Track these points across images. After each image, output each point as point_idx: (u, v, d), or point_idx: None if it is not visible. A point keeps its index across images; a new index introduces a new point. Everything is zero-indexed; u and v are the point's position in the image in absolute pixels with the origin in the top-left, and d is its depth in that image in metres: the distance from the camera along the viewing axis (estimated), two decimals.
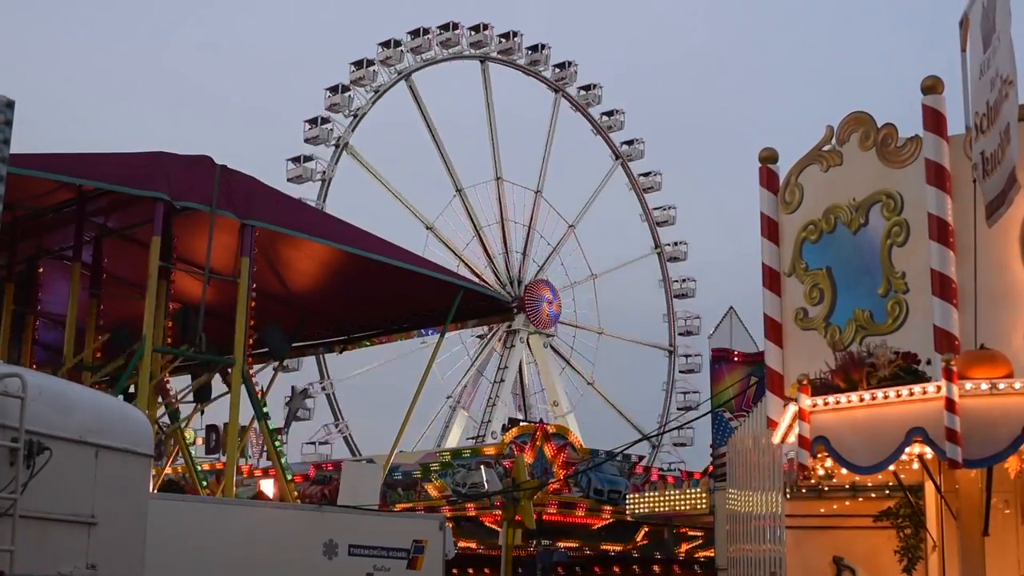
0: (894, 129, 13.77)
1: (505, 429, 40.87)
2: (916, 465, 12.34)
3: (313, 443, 51.44)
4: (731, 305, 29.65)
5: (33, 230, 18.29)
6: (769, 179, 15.05)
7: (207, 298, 16.60)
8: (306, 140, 52.55)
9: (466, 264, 55.85)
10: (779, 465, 13.88)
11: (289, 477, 19.13)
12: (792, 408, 12.56)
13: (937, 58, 17.82)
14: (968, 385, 11.28)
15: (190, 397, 19.18)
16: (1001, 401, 11.23)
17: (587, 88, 61.06)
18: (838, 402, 12.08)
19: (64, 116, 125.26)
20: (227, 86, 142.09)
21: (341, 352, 25.03)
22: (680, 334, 61.81)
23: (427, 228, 55.32)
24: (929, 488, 13.02)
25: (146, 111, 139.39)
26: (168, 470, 21.49)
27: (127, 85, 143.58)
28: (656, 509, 32.78)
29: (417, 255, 20.39)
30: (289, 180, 51.85)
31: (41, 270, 19.55)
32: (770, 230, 14.89)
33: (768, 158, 15.15)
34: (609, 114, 61.59)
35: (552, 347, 58.84)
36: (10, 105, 8.20)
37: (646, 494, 33.94)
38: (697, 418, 39.40)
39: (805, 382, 12.32)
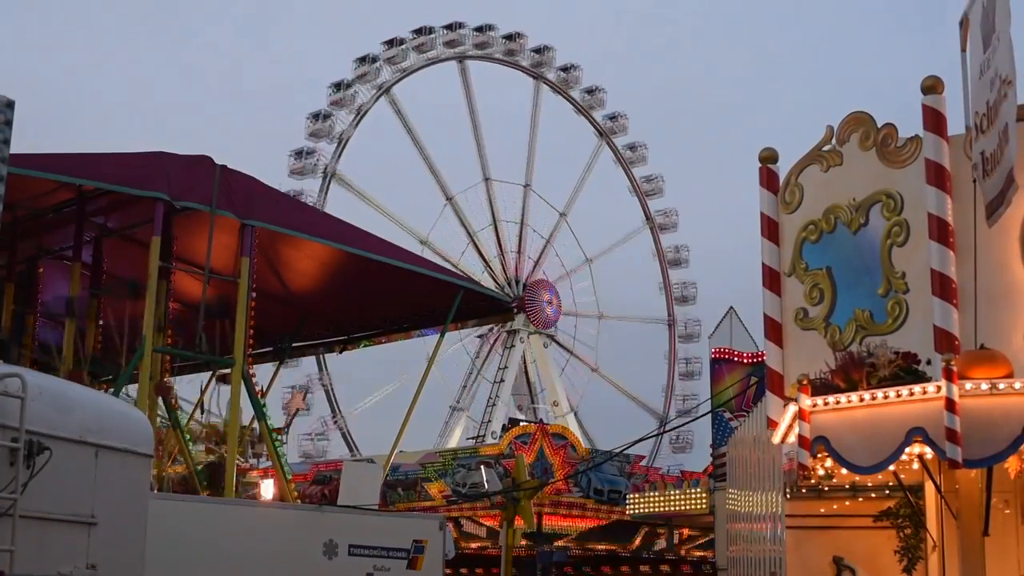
0: (894, 129, 13.76)
1: (505, 429, 40.89)
2: (916, 465, 12.33)
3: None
4: (731, 305, 29.68)
5: (33, 230, 18.30)
6: (769, 179, 15.04)
7: (207, 298, 16.61)
8: (291, 173, 52.45)
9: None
10: (779, 465, 13.88)
11: (289, 477, 19.14)
12: (792, 408, 12.56)
13: (937, 58, 17.84)
14: (968, 385, 11.27)
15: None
16: (1001, 401, 11.22)
17: (565, 69, 61.03)
18: (838, 402, 12.08)
19: (67, 116, 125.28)
20: (235, 84, 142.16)
21: (341, 352, 25.04)
22: (677, 301, 61.85)
23: (422, 243, 55.41)
24: (929, 488, 13.02)
25: (157, 109, 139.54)
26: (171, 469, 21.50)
27: (144, 82, 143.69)
28: (656, 509, 32.81)
29: (417, 255, 20.42)
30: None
31: (41, 270, 19.56)
32: (770, 230, 14.89)
33: (768, 158, 15.14)
34: (590, 92, 61.59)
35: (555, 340, 58.83)
36: (10, 105, 8.20)
37: (646, 494, 33.98)
38: (697, 418, 39.38)
39: (805, 382, 12.31)
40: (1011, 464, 11.53)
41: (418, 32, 55.55)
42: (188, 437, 18.51)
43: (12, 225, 17.36)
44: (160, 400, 17.82)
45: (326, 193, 52.61)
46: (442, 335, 20.55)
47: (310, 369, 50.46)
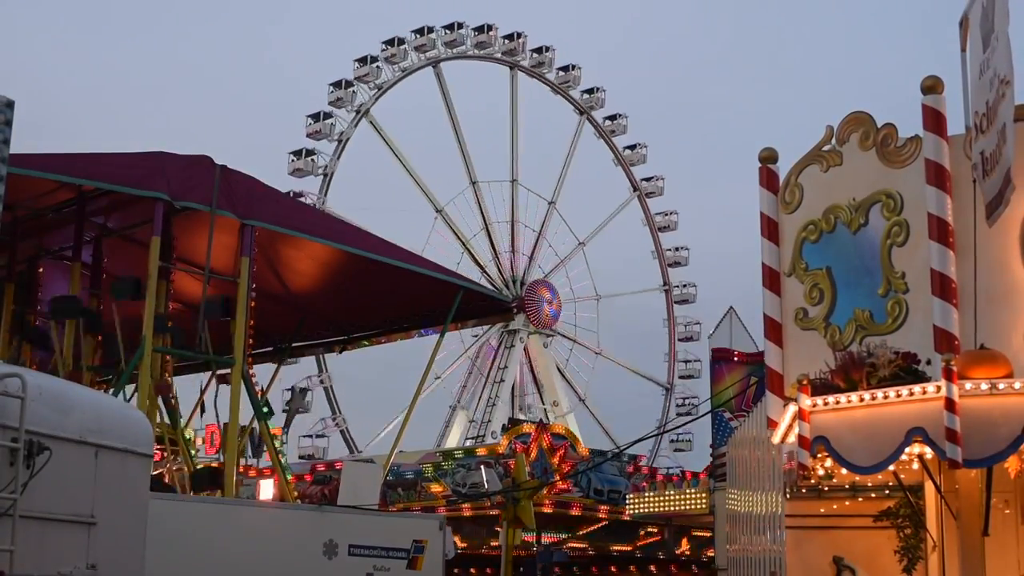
0: (894, 129, 13.76)
1: (505, 429, 40.87)
2: (916, 465, 12.34)
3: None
4: (731, 305, 29.69)
5: (33, 230, 18.30)
6: (769, 179, 15.04)
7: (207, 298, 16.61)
8: (329, 103, 52.65)
9: (471, 254, 55.96)
10: (779, 465, 13.88)
11: (288, 477, 19.15)
12: (792, 408, 12.56)
13: (937, 58, 17.85)
14: (968, 385, 11.27)
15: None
16: (1001, 401, 11.23)
17: (612, 118, 61.42)
18: (838, 402, 12.08)
19: (67, 116, 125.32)
20: (233, 84, 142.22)
21: (341, 352, 25.05)
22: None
23: (437, 211, 55.29)
24: (929, 488, 13.02)
25: (156, 108, 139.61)
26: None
27: (136, 83, 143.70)
28: (656, 509, 32.81)
29: (417, 255, 20.41)
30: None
31: (41, 270, 19.56)
32: (770, 230, 14.89)
33: (768, 158, 15.14)
34: (632, 148, 61.84)
35: (557, 332, 58.71)
36: (10, 105, 8.20)
37: (646, 494, 33.97)
38: (697, 418, 39.41)
39: (805, 382, 12.32)
40: (1011, 464, 11.53)
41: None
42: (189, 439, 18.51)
43: (12, 225, 17.37)
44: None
45: (356, 125, 52.79)
46: (442, 335, 20.55)
47: (310, 369, 50.49)
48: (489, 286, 53.64)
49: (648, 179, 62.24)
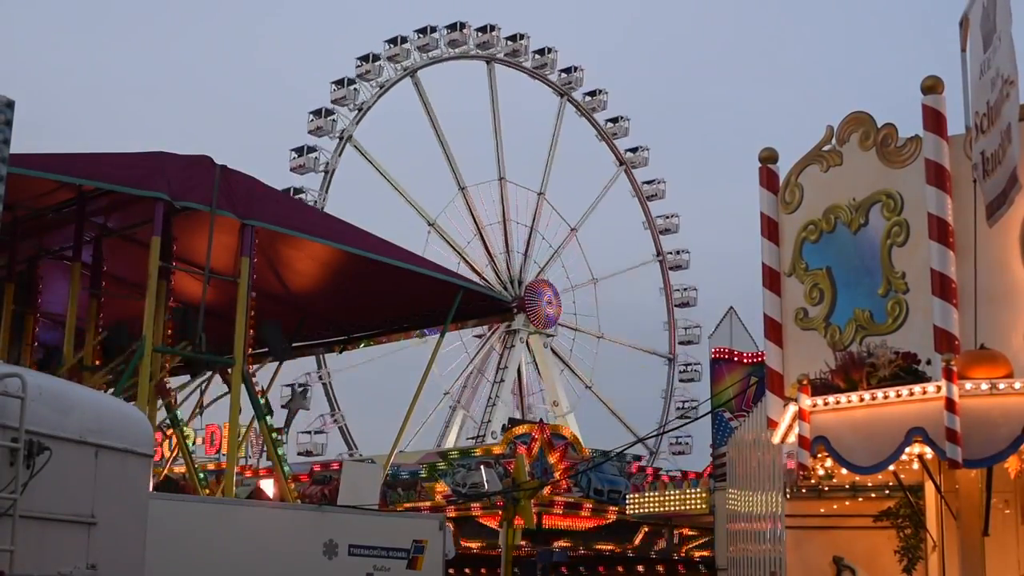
0: (894, 129, 13.76)
1: (505, 429, 40.86)
2: (916, 465, 12.33)
3: (309, 432, 51.40)
4: (731, 305, 29.67)
5: (33, 230, 18.29)
6: (769, 179, 15.04)
7: (207, 298, 16.60)
8: (310, 132, 52.67)
9: (467, 262, 55.90)
10: (779, 465, 13.88)
11: (288, 477, 19.13)
12: (792, 408, 12.56)
13: (937, 58, 17.84)
14: (968, 385, 11.27)
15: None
16: (1001, 401, 11.22)
17: (592, 94, 61.33)
18: (838, 402, 12.08)
19: (67, 116, 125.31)
20: (232, 83, 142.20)
21: (341, 352, 25.06)
22: (680, 343, 61.75)
23: (429, 225, 55.32)
24: (929, 488, 13.02)
25: (156, 108, 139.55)
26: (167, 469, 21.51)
27: (136, 82, 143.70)
28: (656, 509, 32.81)
29: (417, 255, 20.39)
30: (292, 170, 51.99)
31: (41, 270, 19.56)
32: (770, 230, 14.89)
33: (768, 158, 15.14)
34: (614, 120, 61.74)
35: (552, 349, 58.84)
36: (10, 105, 8.20)
37: (646, 494, 33.96)
38: (697, 418, 39.37)
39: (805, 382, 12.32)
40: (1011, 464, 11.53)
41: (451, 27, 55.75)
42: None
43: (12, 225, 17.36)
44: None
45: (340, 154, 52.69)
46: (442, 335, 20.54)
47: (309, 365, 50.49)
48: (493, 278, 53.79)
49: (633, 150, 62.09)
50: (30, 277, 19.33)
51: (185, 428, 19.93)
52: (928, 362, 12.40)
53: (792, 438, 12.54)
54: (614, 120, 61.73)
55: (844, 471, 12.37)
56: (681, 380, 61.18)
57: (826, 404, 12.13)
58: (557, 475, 35.29)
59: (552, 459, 36.51)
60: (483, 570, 35.26)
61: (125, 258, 18.64)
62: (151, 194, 15.90)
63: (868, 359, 12.45)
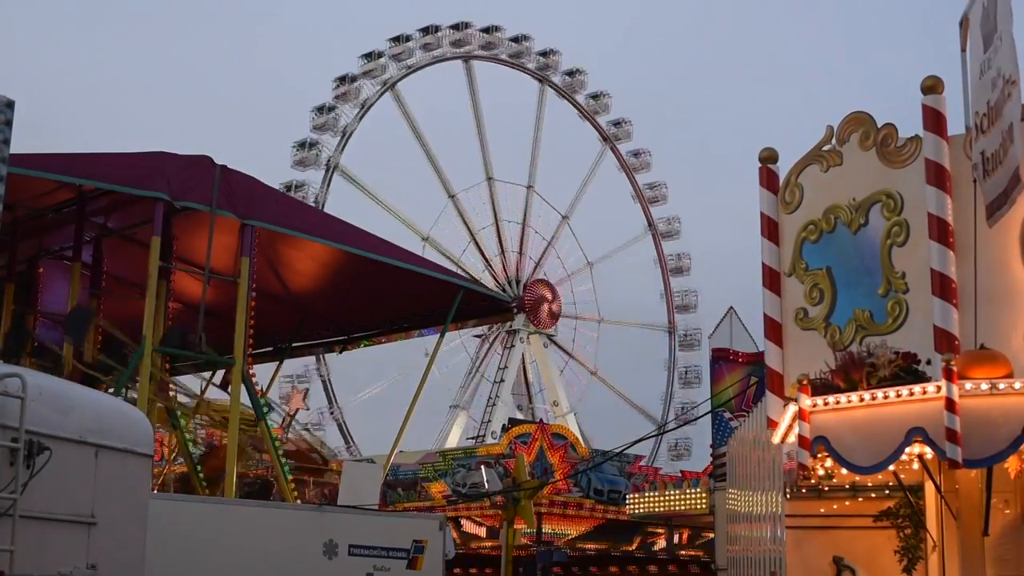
0: (894, 129, 13.76)
1: (505, 429, 40.88)
2: (916, 465, 12.33)
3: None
4: (731, 305, 29.64)
5: (33, 230, 18.30)
6: (769, 179, 15.04)
7: (207, 298, 16.61)
8: (294, 164, 52.67)
9: (464, 271, 55.97)
10: (779, 465, 13.87)
11: (289, 477, 19.13)
12: (792, 408, 12.56)
13: (937, 58, 17.84)
14: (968, 385, 11.27)
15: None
16: (1001, 401, 11.22)
17: (571, 74, 61.26)
18: (838, 402, 12.07)
19: (67, 116, 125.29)
20: (232, 83, 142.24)
21: (341, 352, 25.05)
22: (678, 310, 61.81)
23: (423, 239, 55.42)
24: (929, 488, 13.01)
25: (156, 108, 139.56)
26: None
27: (137, 82, 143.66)
28: (656, 509, 32.81)
29: (417, 255, 20.41)
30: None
31: (41, 270, 19.55)
32: (770, 230, 14.88)
33: (768, 158, 15.14)
34: (595, 97, 61.71)
35: (554, 342, 58.86)
36: (10, 105, 8.21)
37: (646, 494, 33.98)
38: (697, 419, 39.37)
39: (805, 382, 12.31)
40: (1011, 464, 11.53)
41: (424, 31, 55.79)
42: (189, 438, 18.50)
43: (12, 225, 17.36)
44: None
45: (328, 184, 52.71)
46: (442, 335, 20.55)
47: (307, 360, 50.51)
48: (492, 281, 53.84)
49: (616, 123, 62.19)
50: (30, 277, 19.33)
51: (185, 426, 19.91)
52: (928, 362, 12.39)
53: (792, 438, 12.54)
54: (595, 96, 61.67)
55: (844, 471, 12.36)
56: (681, 348, 61.27)
57: (826, 404, 12.12)
58: (558, 475, 35.30)
59: (552, 459, 36.52)
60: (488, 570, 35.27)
61: (125, 258, 18.64)
62: (151, 194, 15.90)
63: (868, 359, 12.44)
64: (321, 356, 51.09)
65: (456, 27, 56.67)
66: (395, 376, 52.14)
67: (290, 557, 13.88)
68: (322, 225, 19.39)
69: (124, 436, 8.42)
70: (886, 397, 11.74)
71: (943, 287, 12.80)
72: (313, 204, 51.62)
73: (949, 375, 11.22)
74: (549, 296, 57.81)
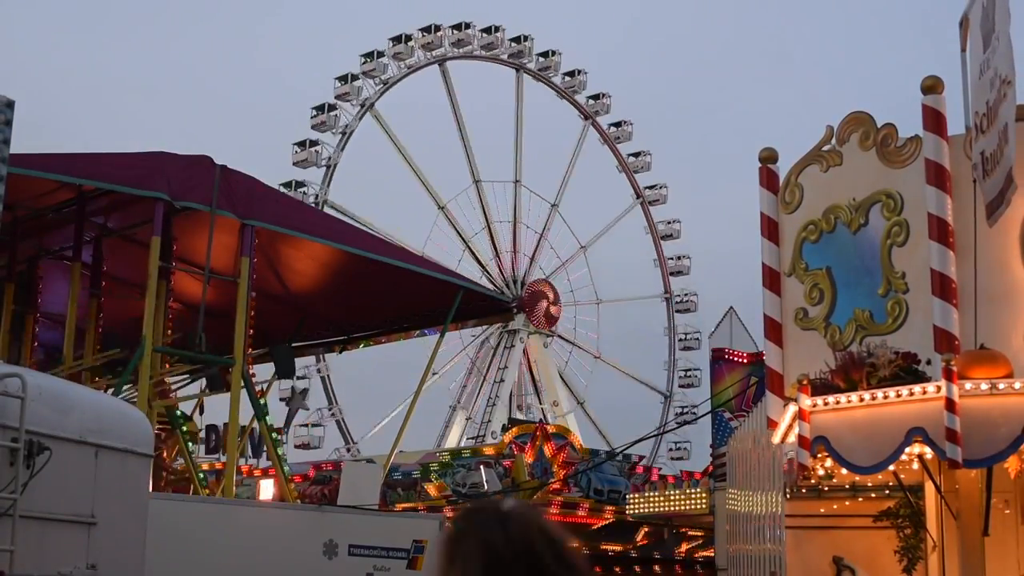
0: (894, 129, 13.77)
1: (505, 429, 40.87)
2: (916, 465, 12.33)
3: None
4: (731, 305, 29.66)
5: (33, 230, 18.29)
6: (769, 179, 15.05)
7: (207, 298, 16.61)
8: (336, 96, 52.82)
9: (472, 252, 55.98)
10: (779, 465, 13.88)
11: (288, 477, 19.15)
12: (792, 408, 12.56)
13: (937, 58, 17.84)
14: (968, 385, 11.27)
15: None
16: (1001, 401, 11.23)
17: (618, 125, 61.49)
18: (838, 402, 12.08)
19: (67, 116, 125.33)
20: (232, 83, 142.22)
21: (341, 352, 25.06)
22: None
23: (439, 208, 55.38)
24: (929, 488, 13.02)
25: (156, 108, 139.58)
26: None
27: (136, 82, 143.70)
28: (656, 509, 32.78)
29: (417, 255, 20.42)
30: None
31: (41, 270, 19.56)
32: (770, 230, 14.89)
33: (768, 158, 15.15)
34: (636, 155, 61.86)
35: (557, 335, 58.71)
36: (10, 105, 8.22)
37: (646, 494, 33.95)
38: (697, 418, 39.37)
39: (805, 382, 12.32)
40: (1011, 464, 11.53)
41: (487, 30, 55.97)
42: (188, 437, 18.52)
43: (12, 225, 17.35)
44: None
45: (360, 119, 52.89)
46: (442, 335, 20.54)
47: (307, 359, 50.41)
48: (490, 285, 53.78)
49: (652, 187, 62.24)
50: (30, 277, 19.33)
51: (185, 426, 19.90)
52: (928, 362, 12.40)
53: (792, 438, 12.55)
54: (636, 155, 61.87)
55: (844, 471, 12.37)
56: (676, 422, 60.70)
57: (826, 404, 12.13)
58: (558, 474, 35.29)
59: (552, 459, 36.51)
60: None
61: (125, 258, 18.64)
62: (151, 194, 15.90)
63: (868, 359, 12.45)
64: (320, 355, 51.09)
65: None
66: (399, 408, 51.98)
67: (290, 557, 13.89)
68: (322, 225, 19.41)
69: (124, 436, 8.42)
70: (886, 397, 11.75)
71: (943, 287, 12.81)
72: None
73: (949, 375, 11.22)
74: (550, 296, 57.78)
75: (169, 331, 17.61)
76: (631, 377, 62.21)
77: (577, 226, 60.37)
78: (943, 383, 11.25)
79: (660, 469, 45.05)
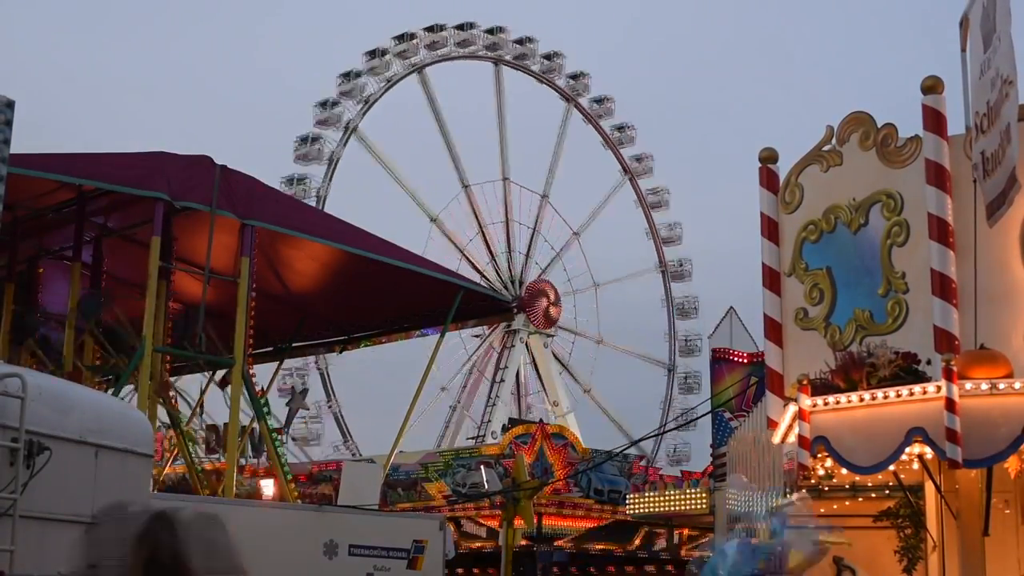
0: (894, 129, 13.76)
1: (505, 429, 40.86)
2: (916, 465, 12.32)
3: (304, 420, 51.35)
4: (731, 305, 29.66)
5: (33, 230, 18.31)
6: (769, 179, 15.04)
7: (207, 298, 16.61)
8: (316, 123, 52.71)
9: (468, 259, 55.92)
10: (779, 465, 13.87)
11: (289, 477, 19.14)
12: (792, 408, 12.56)
13: (937, 58, 17.84)
14: (968, 385, 11.27)
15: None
16: (1001, 401, 11.22)
17: (599, 101, 61.34)
18: (838, 402, 12.07)
19: (67, 116, 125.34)
20: (232, 83, 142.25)
21: (341, 352, 25.07)
22: (681, 353, 61.54)
23: (431, 220, 55.38)
24: (929, 488, 13.01)
25: (156, 108, 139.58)
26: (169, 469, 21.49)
27: (137, 82, 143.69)
28: (656, 509, 32.79)
29: (417, 255, 20.41)
30: (296, 160, 52.05)
31: (41, 270, 19.56)
32: (770, 230, 14.89)
33: (768, 158, 15.14)
34: (620, 128, 61.75)
35: (552, 352, 58.82)
36: (10, 105, 8.21)
37: (646, 494, 33.95)
38: (697, 419, 39.40)
39: (805, 382, 12.31)
40: (1011, 464, 11.53)
41: (460, 27, 55.96)
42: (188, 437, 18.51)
43: (12, 225, 17.36)
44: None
45: (344, 145, 52.74)
46: (442, 335, 20.55)
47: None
48: (494, 276, 53.82)
49: (638, 159, 62.03)
50: (30, 277, 19.34)
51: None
52: (928, 362, 12.40)
53: (792, 438, 12.54)
54: (620, 128, 61.73)
55: (844, 471, 12.36)
56: (681, 391, 60.96)
57: (826, 404, 12.12)
58: (558, 474, 35.28)
59: (552, 459, 36.50)
60: (490, 570, 35.26)
61: (125, 258, 18.65)
62: (151, 194, 15.91)
63: (868, 359, 12.44)
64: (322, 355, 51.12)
65: (491, 31, 56.76)
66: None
67: (290, 557, 13.88)
68: (322, 225, 19.41)
69: (124, 436, 8.42)
70: (886, 397, 11.74)
71: (943, 287, 12.81)
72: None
73: (949, 375, 11.22)
74: (550, 296, 57.78)
75: (169, 330, 17.63)
76: (633, 354, 62.28)
77: (569, 213, 60.45)
78: (943, 383, 11.24)
79: (660, 469, 45.08)
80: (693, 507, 31.05)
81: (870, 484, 13.88)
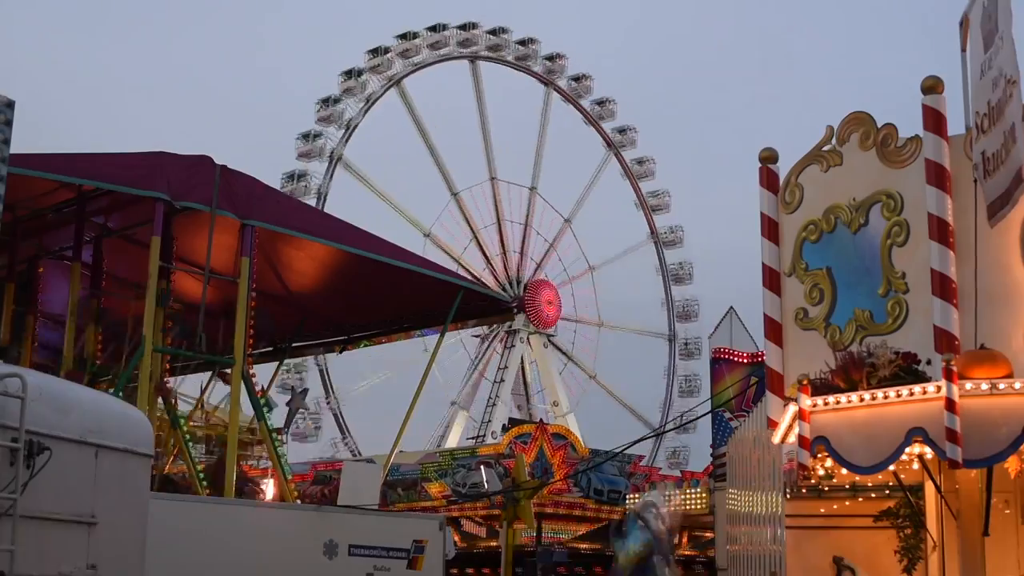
0: (894, 129, 13.77)
1: (505, 429, 40.87)
2: (916, 465, 12.34)
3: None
4: (731, 305, 29.64)
5: (33, 230, 18.30)
6: (769, 179, 15.05)
7: (207, 298, 16.60)
8: (299, 156, 52.67)
9: (465, 268, 55.91)
10: (779, 465, 13.89)
11: (289, 477, 19.13)
12: (792, 408, 12.56)
13: (937, 58, 17.84)
14: (968, 385, 11.27)
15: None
16: (1001, 401, 11.23)
17: (577, 79, 61.33)
18: (838, 402, 12.08)
19: (67, 116, 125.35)
20: (232, 83, 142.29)
21: (341, 352, 25.05)
22: (679, 319, 61.81)
23: (425, 235, 55.43)
24: (929, 488, 13.02)
25: (156, 108, 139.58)
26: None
27: (137, 82, 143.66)
28: None
29: (417, 255, 20.38)
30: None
31: (41, 270, 19.56)
32: (770, 230, 14.89)
33: (768, 158, 15.15)
34: (600, 103, 61.75)
35: (553, 344, 58.87)
36: (10, 105, 8.20)
37: (646, 494, 33.93)
38: (697, 419, 39.38)
39: (805, 382, 12.32)
40: (1011, 464, 11.53)
41: (432, 29, 55.83)
42: (188, 437, 18.48)
43: (12, 225, 17.36)
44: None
45: (331, 176, 52.71)
46: (442, 335, 20.53)
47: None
48: (492, 281, 53.86)
49: (621, 131, 62.12)
50: (30, 277, 19.33)
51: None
52: (928, 362, 12.40)
53: (792, 438, 12.54)
54: (600, 103, 61.72)
55: (844, 471, 12.37)
56: (681, 357, 61.28)
57: (826, 404, 12.13)
58: (558, 474, 35.28)
59: (552, 459, 36.52)
60: (486, 570, 35.25)
61: (125, 258, 18.64)
62: (151, 194, 15.89)
63: (868, 359, 12.45)
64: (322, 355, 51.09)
65: (463, 27, 56.74)
66: (389, 373, 52.10)
67: (290, 557, 13.89)
68: (322, 225, 19.38)
69: (124, 436, 8.41)
70: (886, 397, 11.75)
71: (943, 287, 12.81)
72: (316, 196, 51.73)
73: (949, 375, 11.22)
74: (550, 296, 57.82)
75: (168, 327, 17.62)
76: (635, 331, 62.50)
77: (558, 200, 60.87)
78: (943, 383, 11.25)
79: (659, 470, 45.06)
80: (693, 507, 31.06)
81: (870, 484, 13.90)
